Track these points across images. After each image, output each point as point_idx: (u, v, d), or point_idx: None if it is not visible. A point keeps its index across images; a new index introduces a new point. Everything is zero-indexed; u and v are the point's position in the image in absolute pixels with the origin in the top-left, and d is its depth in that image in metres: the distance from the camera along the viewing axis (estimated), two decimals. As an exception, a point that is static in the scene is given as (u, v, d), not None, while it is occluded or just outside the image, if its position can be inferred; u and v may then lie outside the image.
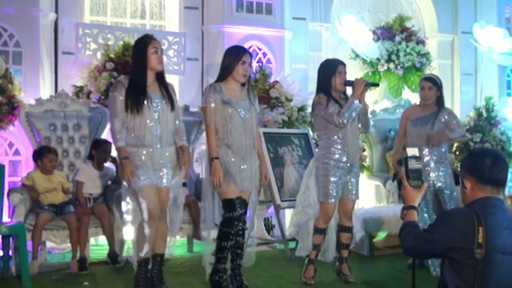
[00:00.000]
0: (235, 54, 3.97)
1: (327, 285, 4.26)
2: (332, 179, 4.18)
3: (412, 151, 3.21)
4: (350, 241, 4.39)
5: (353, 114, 4.15)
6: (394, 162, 5.01)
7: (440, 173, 4.64)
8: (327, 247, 4.44)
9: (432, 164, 4.63)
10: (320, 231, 4.29)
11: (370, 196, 6.62)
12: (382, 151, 6.71)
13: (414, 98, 7.39)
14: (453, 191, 4.66)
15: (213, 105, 3.91)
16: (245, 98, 4.00)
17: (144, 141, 3.73)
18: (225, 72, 3.99)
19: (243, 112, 3.95)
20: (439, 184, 4.64)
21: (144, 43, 3.81)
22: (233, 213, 3.88)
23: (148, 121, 3.74)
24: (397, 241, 5.50)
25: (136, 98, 3.72)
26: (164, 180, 3.82)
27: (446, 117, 4.67)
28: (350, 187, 4.30)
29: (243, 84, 4.01)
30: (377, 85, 5.01)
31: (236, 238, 3.97)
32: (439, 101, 4.72)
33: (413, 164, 3.08)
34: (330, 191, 4.19)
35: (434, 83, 4.71)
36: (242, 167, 3.95)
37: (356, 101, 4.13)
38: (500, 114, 7.21)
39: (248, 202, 4.06)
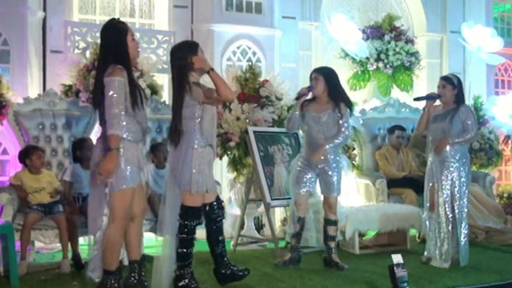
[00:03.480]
0: (188, 51, 3.85)
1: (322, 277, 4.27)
2: (301, 175, 4.68)
3: (397, 259, 3.51)
4: (336, 233, 4.79)
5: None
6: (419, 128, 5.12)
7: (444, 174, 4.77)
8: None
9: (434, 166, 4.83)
10: (298, 220, 4.74)
11: (360, 194, 6.64)
12: (372, 150, 6.73)
13: (403, 97, 7.44)
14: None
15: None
16: None
17: (138, 137, 3.53)
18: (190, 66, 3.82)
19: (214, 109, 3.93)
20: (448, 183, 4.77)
21: (123, 30, 3.51)
22: (198, 220, 3.86)
23: (141, 116, 3.54)
24: (386, 240, 5.58)
25: (135, 90, 3.46)
26: (143, 177, 3.72)
27: (463, 115, 4.79)
28: (330, 184, 4.66)
29: None
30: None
31: (216, 225, 3.98)
32: (457, 98, 4.86)
33: (400, 272, 3.44)
34: (301, 185, 4.69)
35: (448, 81, 4.88)
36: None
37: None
38: (488, 113, 7.27)
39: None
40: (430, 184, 4.89)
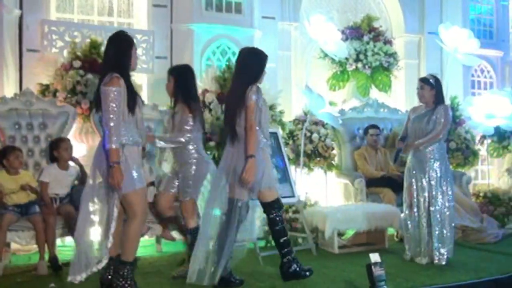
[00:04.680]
0: (264, 62, 4.19)
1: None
2: None
3: (374, 257, 3.54)
4: None
5: None
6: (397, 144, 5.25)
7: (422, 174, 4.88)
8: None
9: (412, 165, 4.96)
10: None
11: (339, 194, 6.68)
12: (351, 150, 6.77)
13: (381, 97, 7.50)
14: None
15: (259, 104, 4.05)
16: None
17: (136, 140, 3.72)
18: (259, 75, 4.16)
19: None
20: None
21: (130, 43, 3.78)
22: (281, 210, 4.19)
23: (138, 120, 3.76)
24: (365, 239, 5.62)
25: (134, 96, 3.70)
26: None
27: (438, 115, 4.87)
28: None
29: None
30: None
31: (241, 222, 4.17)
32: (436, 98, 4.93)
33: (377, 271, 3.47)
34: None
35: (426, 82, 4.96)
36: None
37: None
38: (464, 113, 7.35)
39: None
40: (409, 184, 4.95)
